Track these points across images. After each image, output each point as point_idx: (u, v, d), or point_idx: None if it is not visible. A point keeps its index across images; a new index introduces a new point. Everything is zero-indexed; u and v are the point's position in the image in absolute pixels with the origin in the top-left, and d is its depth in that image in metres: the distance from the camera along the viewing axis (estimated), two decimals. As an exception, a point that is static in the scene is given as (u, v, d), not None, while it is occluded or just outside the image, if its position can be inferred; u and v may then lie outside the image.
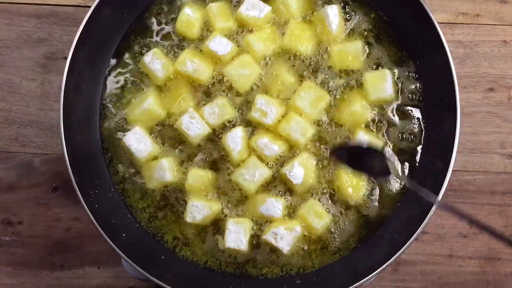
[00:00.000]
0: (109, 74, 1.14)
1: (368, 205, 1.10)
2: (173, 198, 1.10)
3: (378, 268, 0.98)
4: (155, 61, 1.11)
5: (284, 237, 1.06)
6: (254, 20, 1.11)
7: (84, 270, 1.22)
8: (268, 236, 1.06)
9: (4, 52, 1.27)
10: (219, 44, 1.10)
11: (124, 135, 1.10)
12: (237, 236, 1.06)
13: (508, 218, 1.23)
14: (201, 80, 1.11)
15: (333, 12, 1.10)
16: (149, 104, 1.09)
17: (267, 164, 1.09)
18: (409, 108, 1.12)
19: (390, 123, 1.12)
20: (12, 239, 1.23)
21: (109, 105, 1.13)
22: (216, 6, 1.13)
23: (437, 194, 1.00)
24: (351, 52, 1.11)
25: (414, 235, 0.99)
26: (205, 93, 1.12)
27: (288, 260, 1.09)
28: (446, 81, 1.03)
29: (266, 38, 1.12)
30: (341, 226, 1.09)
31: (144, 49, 1.14)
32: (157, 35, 1.15)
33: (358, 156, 0.98)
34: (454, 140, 1.01)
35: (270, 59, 1.12)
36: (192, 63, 1.10)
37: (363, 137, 1.07)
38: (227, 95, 1.11)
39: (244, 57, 1.10)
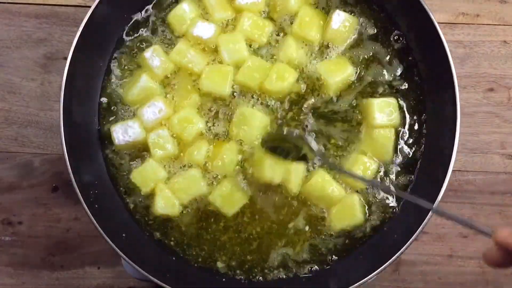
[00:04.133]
0: (109, 74, 1.14)
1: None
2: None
3: (378, 268, 0.98)
4: (155, 58, 1.10)
5: None
6: (254, 5, 1.12)
7: (84, 270, 1.22)
8: None
9: (4, 52, 1.27)
10: (202, 28, 1.10)
11: (113, 129, 1.09)
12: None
13: (508, 218, 1.23)
14: (198, 71, 1.10)
15: (339, 19, 1.10)
16: (144, 81, 1.10)
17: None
18: (409, 108, 1.12)
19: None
20: (12, 239, 1.23)
21: (109, 104, 1.13)
22: None
23: (437, 194, 1.00)
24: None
25: (414, 235, 0.98)
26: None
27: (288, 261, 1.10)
28: (446, 81, 1.03)
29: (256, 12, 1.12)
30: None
31: (144, 48, 1.14)
32: (157, 34, 1.15)
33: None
34: (454, 140, 1.01)
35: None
36: (188, 53, 1.10)
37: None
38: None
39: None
